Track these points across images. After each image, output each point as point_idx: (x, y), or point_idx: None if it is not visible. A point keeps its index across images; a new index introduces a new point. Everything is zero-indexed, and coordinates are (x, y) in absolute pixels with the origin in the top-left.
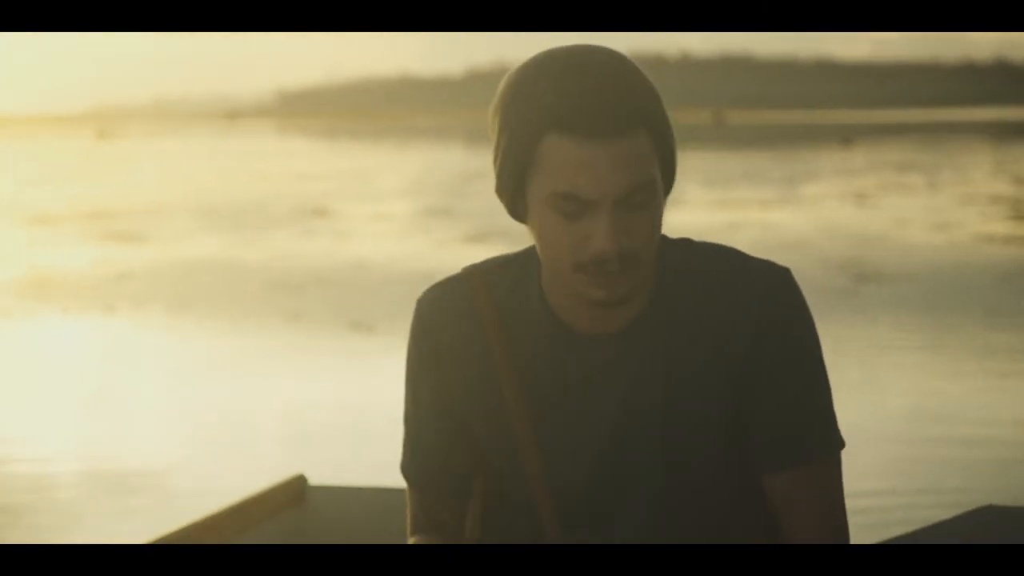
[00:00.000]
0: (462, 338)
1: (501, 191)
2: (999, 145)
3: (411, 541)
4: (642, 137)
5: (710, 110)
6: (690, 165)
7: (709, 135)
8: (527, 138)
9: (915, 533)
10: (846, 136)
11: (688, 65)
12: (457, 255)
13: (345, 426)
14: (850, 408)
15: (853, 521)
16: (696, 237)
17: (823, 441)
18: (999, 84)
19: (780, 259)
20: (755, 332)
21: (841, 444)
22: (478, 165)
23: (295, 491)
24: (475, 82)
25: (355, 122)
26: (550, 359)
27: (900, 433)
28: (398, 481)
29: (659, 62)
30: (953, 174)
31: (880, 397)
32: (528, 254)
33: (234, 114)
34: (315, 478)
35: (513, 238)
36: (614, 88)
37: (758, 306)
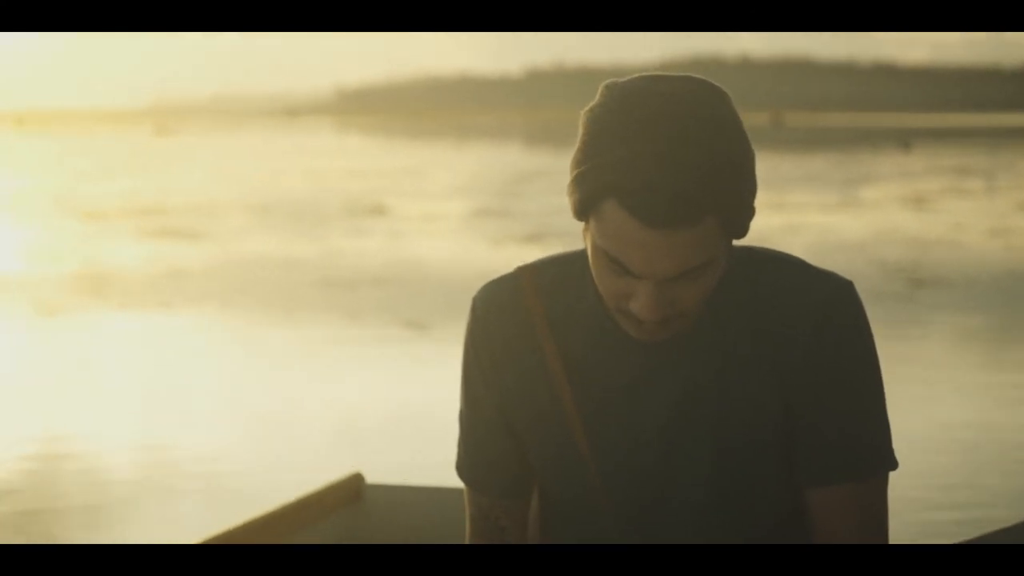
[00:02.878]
0: (514, 335)
1: (569, 195)
2: None
3: None
4: (708, 224)
5: (768, 112)
6: None
7: (767, 137)
8: (593, 188)
9: (984, 537)
10: (905, 140)
11: (747, 67)
12: (512, 255)
13: (400, 425)
14: (906, 415)
15: (917, 529)
16: (754, 240)
17: (872, 459)
18: None
19: (837, 263)
20: (813, 344)
21: (892, 464)
22: (535, 165)
23: (352, 489)
24: (534, 82)
25: (413, 121)
26: (602, 358)
27: (958, 440)
28: (453, 480)
29: (718, 63)
30: (1012, 179)
31: (938, 403)
32: (586, 253)
33: (293, 111)
34: (370, 476)
35: (569, 239)
36: (686, 183)
37: (818, 318)
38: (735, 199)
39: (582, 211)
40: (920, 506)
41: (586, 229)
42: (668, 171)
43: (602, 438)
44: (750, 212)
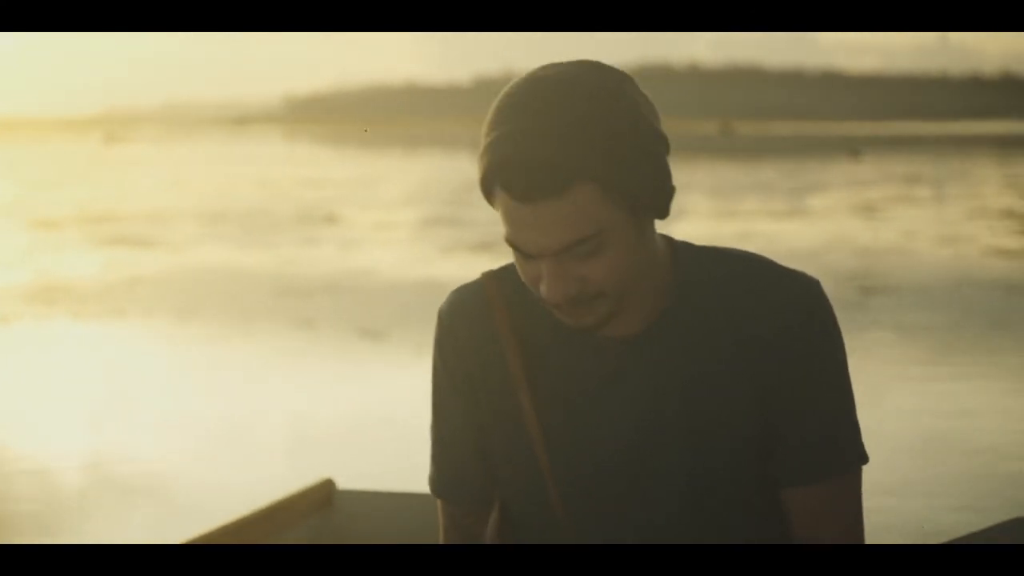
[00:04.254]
0: (480, 342)
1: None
2: (1006, 158)
3: None
4: (583, 192)
5: (718, 120)
6: (697, 176)
7: (717, 145)
8: (481, 174)
9: (968, 536)
10: (854, 148)
11: (696, 75)
12: (463, 263)
13: (355, 432)
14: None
15: (879, 517)
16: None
17: (849, 456)
18: (1006, 98)
19: None
20: (785, 343)
21: (865, 458)
22: None
23: (323, 495)
24: (483, 90)
25: (362, 129)
26: (565, 361)
27: (907, 446)
28: (418, 486)
29: (667, 72)
30: (961, 187)
31: (887, 410)
32: None
33: (242, 119)
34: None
35: None
36: (546, 151)
37: (788, 316)
38: (613, 166)
39: (489, 202)
40: (871, 511)
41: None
42: (529, 143)
43: (563, 444)
44: (647, 183)
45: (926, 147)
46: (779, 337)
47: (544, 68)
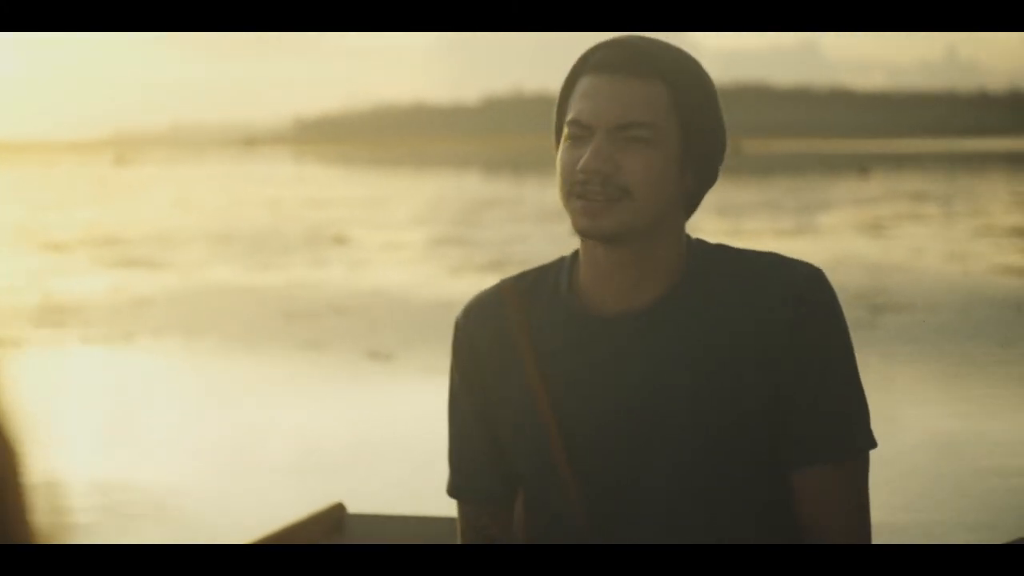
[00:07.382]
0: (496, 345)
1: (554, 136)
2: (1014, 176)
3: None
4: (655, 85)
5: None
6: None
7: (725, 164)
8: (567, 83)
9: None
10: (862, 165)
11: None
12: (472, 283)
13: (361, 455)
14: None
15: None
16: None
17: (858, 439)
18: (1014, 115)
19: None
20: (792, 326)
21: (873, 443)
22: (493, 193)
23: (334, 520)
24: (491, 110)
25: (371, 150)
26: (574, 347)
27: (917, 465)
28: (427, 509)
29: None
30: (969, 204)
31: (896, 428)
32: (564, 256)
33: (251, 141)
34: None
35: (528, 267)
36: (639, 43)
37: (795, 300)
38: (685, 78)
39: (562, 107)
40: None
41: (557, 147)
42: (631, 39)
43: (575, 430)
44: (706, 139)
45: (934, 164)
46: (785, 317)
47: None
